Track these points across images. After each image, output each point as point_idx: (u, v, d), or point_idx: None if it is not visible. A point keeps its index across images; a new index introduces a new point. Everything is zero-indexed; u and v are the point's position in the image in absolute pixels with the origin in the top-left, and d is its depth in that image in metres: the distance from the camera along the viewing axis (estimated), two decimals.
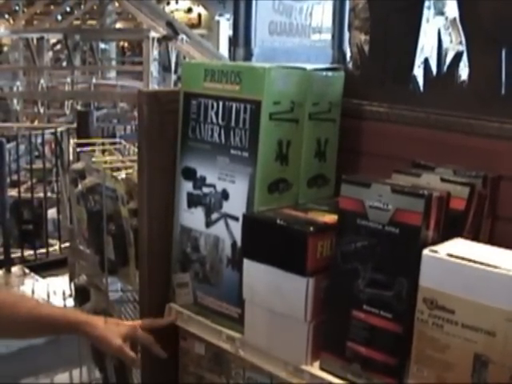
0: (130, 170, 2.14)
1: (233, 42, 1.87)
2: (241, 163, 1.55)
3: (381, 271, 1.30)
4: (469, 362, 1.18)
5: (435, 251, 1.22)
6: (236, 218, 1.56)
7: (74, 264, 2.66)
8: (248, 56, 1.82)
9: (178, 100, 1.68)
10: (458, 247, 1.24)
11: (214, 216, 1.62)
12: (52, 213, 7.40)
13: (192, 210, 1.68)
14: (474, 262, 1.17)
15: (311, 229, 1.40)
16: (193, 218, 1.68)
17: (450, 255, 1.19)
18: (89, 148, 2.57)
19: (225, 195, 1.59)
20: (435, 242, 1.26)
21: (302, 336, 1.44)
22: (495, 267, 1.14)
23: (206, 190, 1.64)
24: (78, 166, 2.42)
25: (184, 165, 1.69)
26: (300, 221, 1.46)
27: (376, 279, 1.31)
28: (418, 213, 1.25)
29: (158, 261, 1.79)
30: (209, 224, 1.64)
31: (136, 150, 2.10)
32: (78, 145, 2.63)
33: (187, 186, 1.69)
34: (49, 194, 7.56)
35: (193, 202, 1.67)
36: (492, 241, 1.39)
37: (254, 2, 1.80)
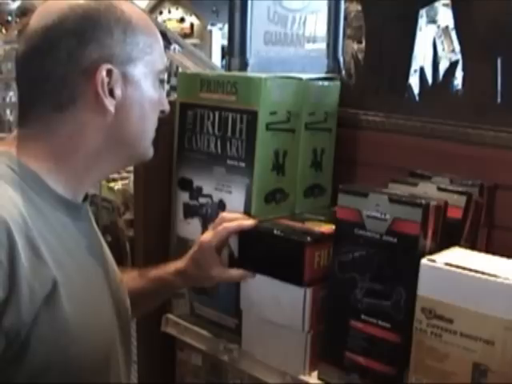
0: (126, 181, 2.14)
1: (228, 51, 1.87)
2: (237, 173, 1.54)
3: (379, 281, 1.30)
4: (468, 371, 1.17)
5: (433, 260, 1.21)
6: None
7: None
8: (243, 66, 1.82)
9: (174, 110, 1.68)
10: (456, 256, 1.24)
11: (211, 226, 1.62)
12: None
13: (188, 220, 1.68)
14: (472, 270, 1.17)
15: (308, 239, 1.40)
16: (189, 229, 1.67)
17: (448, 264, 1.19)
18: None
19: (221, 205, 1.58)
20: (433, 251, 1.26)
21: (299, 346, 1.44)
22: (493, 276, 1.14)
23: (202, 200, 1.63)
24: None
25: (180, 175, 1.68)
26: (297, 231, 1.46)
27: (374, 289, 1.31)
28: (415, 222, 1.25)
29: None
30: None
31: None
32: None
33: (183, 197, 1.68)
34: None
35: (189, 212, 1.67)
36: (489, 249, 1.39)
37: (249, 12, 1.80)
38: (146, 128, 1.30)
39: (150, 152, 1.34)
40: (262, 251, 1.48)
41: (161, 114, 1.33)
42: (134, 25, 1.22)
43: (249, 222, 1.50)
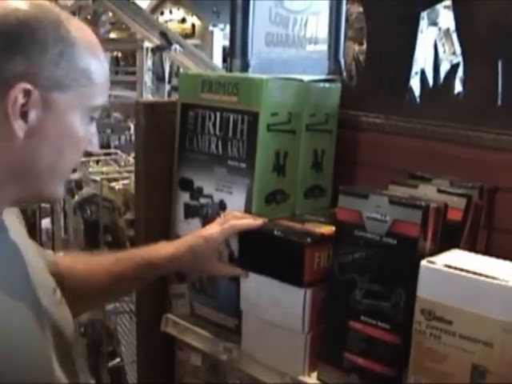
0: (126, 181, 2.14)
1: (229, 53, 1.87)
2: (238, 174, 1.55)
3: (378, 282, 1.30)
4: (466, 373, 1.17)
5: (433, 262, 1.22)
6: None
7: None
8: (245, 67, 1.83)
9: (175, 111, 1.68)
10: (456, 258, 1.25)
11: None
12: (46, 223, 7.35)
13: (189, 220, 1.68)
14: (472, 272, 1.17)
15: (308, 240, 1.40)
16: (190, 229, 1.67)
17: (448, 266, 1.20)
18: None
19: (222, 206, 1.59)
20: (433, 253, 1.26)
21: (299, 347, 1.44)
22: (492, 278, 1.15)
23: (203, 200, 1.64)
24: (75, 176, 2.42)
25: (181, 175, 1.69)
26: (297, 232, 1.46)
27: (373, 290, 1.31)
28: (415, 224, 1.25)
29: None
30: None
31: (132, 160, 2.10)
32: None
33: (184, 197, 1.68)
34: (42, 204, 7.53)
35: (190, 212, 1.67)
36: (488, 251, 1.40)
37: (250, 13, 1.80)
38: (59, 166, 1.14)
39: (59, 193, 1.18)
40: (262, 252, 1.48)
41: (85, 153, 1.19)
42: (75, 49, 1.09)
43: (258, 223, 1.48)
